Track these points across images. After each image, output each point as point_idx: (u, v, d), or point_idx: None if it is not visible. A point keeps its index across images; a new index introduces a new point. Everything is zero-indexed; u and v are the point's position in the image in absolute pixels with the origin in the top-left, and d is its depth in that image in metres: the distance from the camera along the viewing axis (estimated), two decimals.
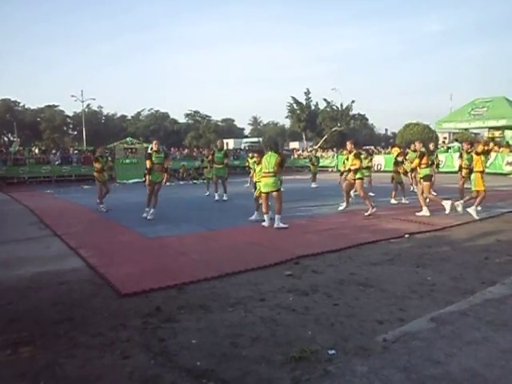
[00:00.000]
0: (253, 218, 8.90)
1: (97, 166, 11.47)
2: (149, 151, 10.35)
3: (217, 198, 13.02)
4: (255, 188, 9.29)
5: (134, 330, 3.57)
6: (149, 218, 9.35)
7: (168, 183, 14.22)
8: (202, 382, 2.72)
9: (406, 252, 6.11)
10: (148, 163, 9.53)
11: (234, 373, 2.81)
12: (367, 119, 50.74)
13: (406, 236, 7.14)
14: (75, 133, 65.22)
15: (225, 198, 12.93)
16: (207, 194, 14.27)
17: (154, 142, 10.22)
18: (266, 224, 8.13)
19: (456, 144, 21.71)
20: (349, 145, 10.12)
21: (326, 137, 41.12)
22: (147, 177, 9.58)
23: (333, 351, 3.05)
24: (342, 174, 10.99)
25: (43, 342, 3.37)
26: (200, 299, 4.27)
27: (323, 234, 7.57)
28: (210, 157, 13.58)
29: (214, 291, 4.52)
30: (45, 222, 9.30)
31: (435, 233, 7.50)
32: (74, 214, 10.87)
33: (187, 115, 70.19)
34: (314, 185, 17.21)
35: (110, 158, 12.32)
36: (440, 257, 5.82)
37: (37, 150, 28.09)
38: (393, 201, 11.69)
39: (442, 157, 20.57)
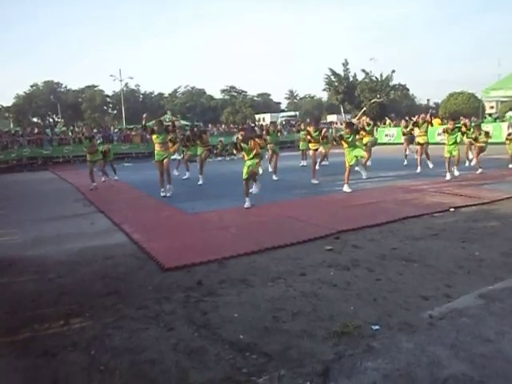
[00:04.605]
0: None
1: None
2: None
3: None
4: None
5: (177, 303, 3.65)
6: (168, 195, 9.35)
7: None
8: (245, 354, 2.75)
9: (451, 226, 5.90)
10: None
11: (276, 346, 2.83)
12: (408, 89, 48.62)
13: (451, 210, 6.87)
14: (115, 112, 66.54)
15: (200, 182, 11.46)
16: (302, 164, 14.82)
17: (153, 122, 9.82)
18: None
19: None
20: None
21: (364, 109, 39.88)
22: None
23: (377, 327, 3.01)
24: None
25: (92, 314, 3.52)
26: (241, 273, 4.31)
27: (364, 208, 7.42)
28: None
29: (254, 266, 4.55)
30: (89, 199, 9.63)
31: (482, 206, 7.18)
32: (117, 190, 11.18)
33: (223, 91, 70.09)
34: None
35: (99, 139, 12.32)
36: (488, 231, 5.58)
37: (77, 129, 28.84)
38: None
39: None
